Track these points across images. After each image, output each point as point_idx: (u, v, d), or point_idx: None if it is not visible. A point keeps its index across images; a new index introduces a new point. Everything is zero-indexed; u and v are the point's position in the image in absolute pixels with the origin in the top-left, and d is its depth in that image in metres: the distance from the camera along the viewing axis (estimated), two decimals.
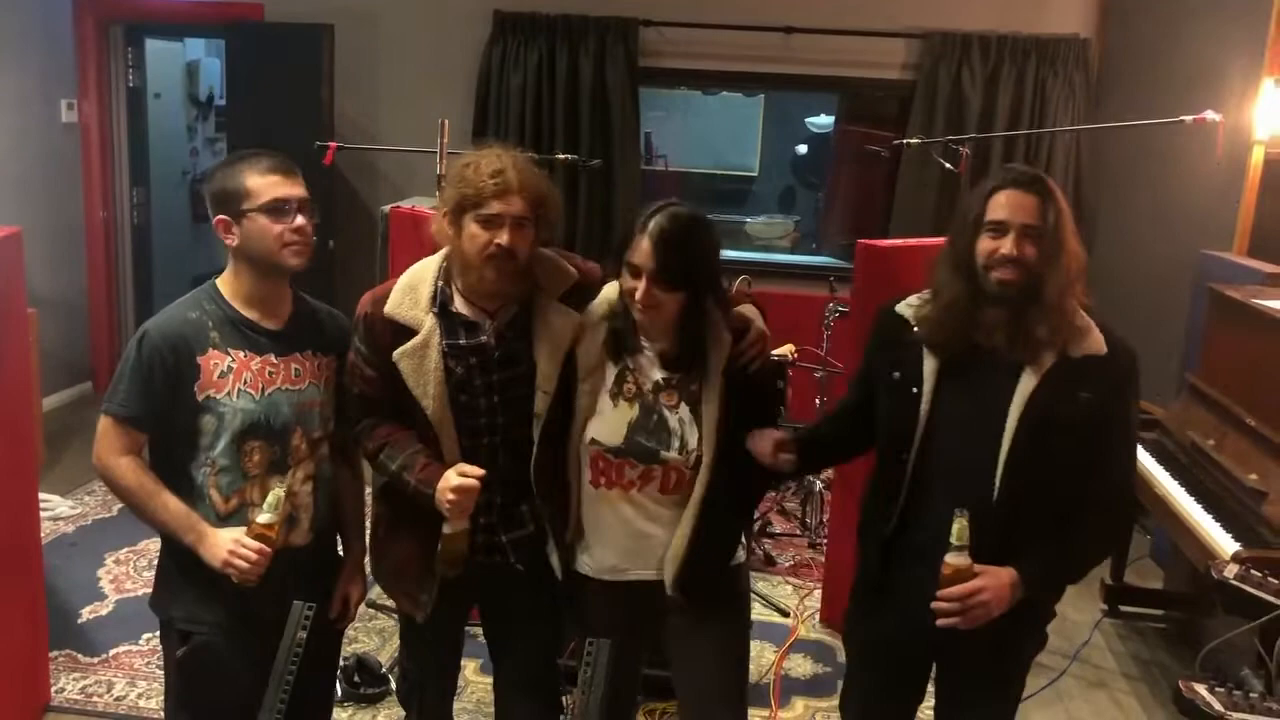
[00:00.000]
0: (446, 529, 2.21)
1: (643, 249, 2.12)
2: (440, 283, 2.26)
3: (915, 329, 2.19)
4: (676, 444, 2.20)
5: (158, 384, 2.14)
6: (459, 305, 2.25)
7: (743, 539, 2.43)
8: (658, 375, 2.23)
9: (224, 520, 2.18)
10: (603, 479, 2.26)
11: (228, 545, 2.08)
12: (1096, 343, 2.12)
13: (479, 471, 2.16)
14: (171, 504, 2.15)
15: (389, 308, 2.24)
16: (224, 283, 2.24)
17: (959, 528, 2.02)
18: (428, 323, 2.23)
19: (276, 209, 2.15)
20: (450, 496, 2.15)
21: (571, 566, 2.35)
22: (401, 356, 2.22)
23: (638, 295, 2.13)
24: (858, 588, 2.37)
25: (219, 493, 2.18)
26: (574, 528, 2.32)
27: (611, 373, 2.25)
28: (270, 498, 2.10)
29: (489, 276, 2.17)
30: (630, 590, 2.30)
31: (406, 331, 2.23)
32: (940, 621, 2.05)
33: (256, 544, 2.08)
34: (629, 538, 2.27)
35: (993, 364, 2.12)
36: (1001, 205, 2.07)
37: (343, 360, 2.33)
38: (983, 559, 2.07)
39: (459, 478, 2.15)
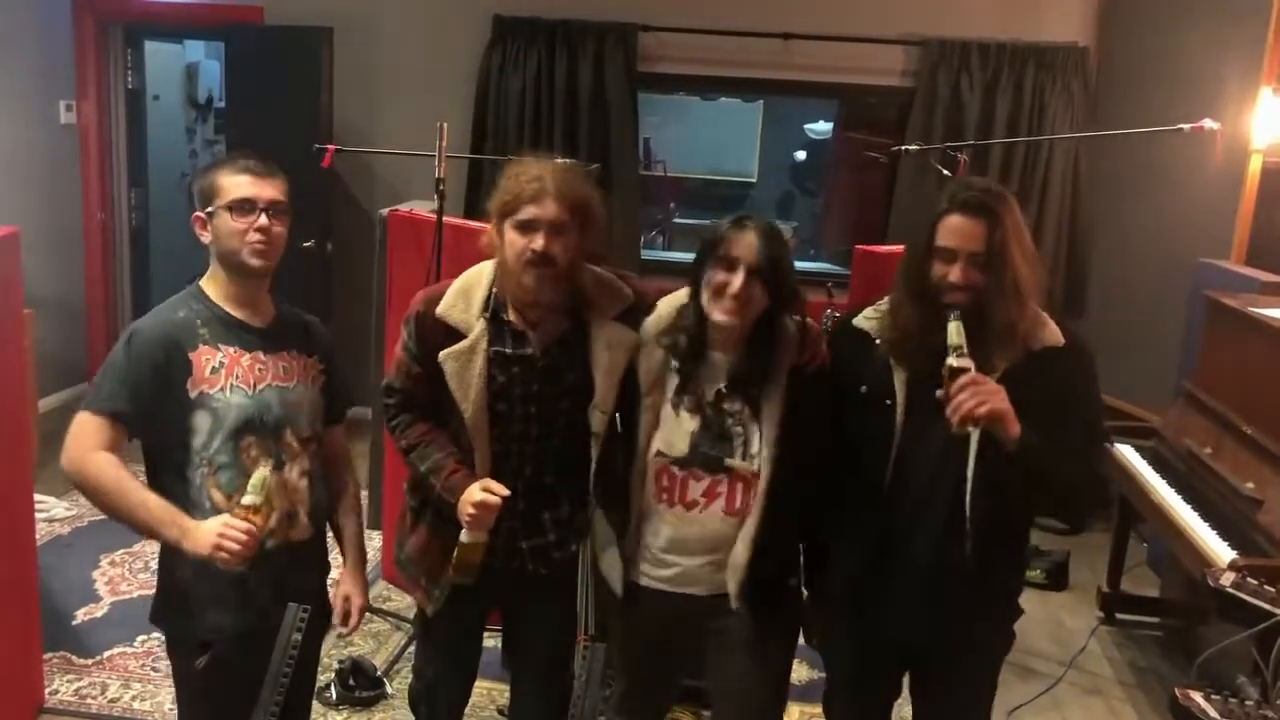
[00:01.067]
0: (464, 538, 2.22)
1: (746, 241, 2.11)
2: (494, 289, 2.28)
3: (878, 341, 2.21)
4: (740, 452, 2.20)
5: (147, 383, 2.11)
6: (509, 314, 2.27)
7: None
8: (720, 384, 2.21)
9: None
10: (665, 495, 2.25)
11: (215, 530, 2.03)
12: (1054, 334, 2.18)
13: (504, 491, 2.17)
14: (152, 501, 2.10)
15: (441, 309, 2.27)
16: (207, 283, 2.24)
17: (955, 328, 2.02)
18: (477, 328, 2.25)
19: (240, 207, 2.14)
20: (470, 511, 2.17)
21: (626, 575, 2.34)
22: (448, 358, 2.24)
23: (732, 288, 2.09)
24: (836, 603, 2.36)
25: (220, 492, 2.15)
26: (632, 538, 2.31)
27: (673, 384, 2.24)
28: (255, 478, 2.07)
29: (527, 283, 2.18)
30: (683, 601, 2.29)
31: (456, 334, 2.25)
32: (954, 412, 1.98)
33: (244, 525, 2.03)
34: (688, 555, 2.26)
35: None
36: (950, 232, 2.10)
37: (327, 364, 2.34)
38: (958, 561, 2.12)
39: (482, 493, 2.16)
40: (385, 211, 4.33)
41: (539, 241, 2.15)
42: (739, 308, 2.12)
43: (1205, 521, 3.27)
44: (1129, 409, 5.00)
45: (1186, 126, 3.74)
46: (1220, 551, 3.07)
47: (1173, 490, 3.56)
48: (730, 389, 2.21)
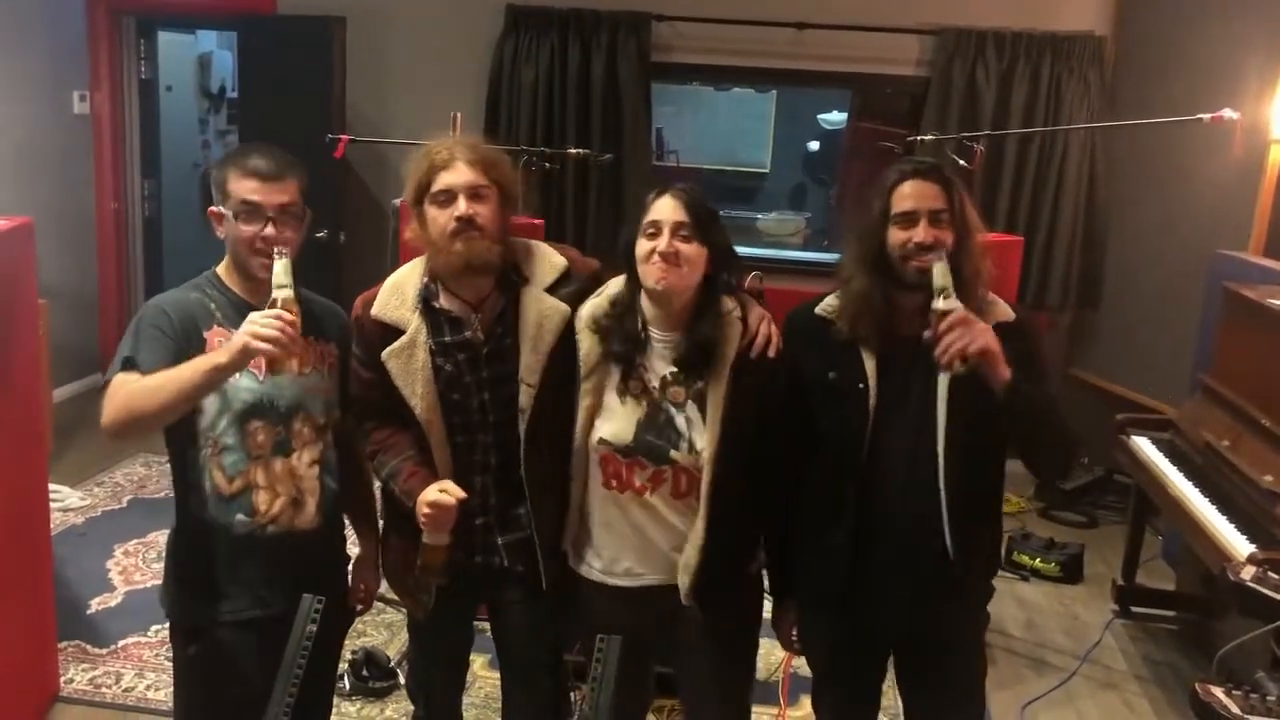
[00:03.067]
0: (426, 539, 2.19)
1: (662, 203, 2.12)
2: (425, 280, 2.25)
3: (841, 326, 2.21)
4: (685, 444, 2.15)
5: (164, 346, 2.08)
6: (444, 301, 2.23)
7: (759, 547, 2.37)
8: (665, 370, 2.17)
9: (228, 503, 2.15)
10: (614, 481, 2.21)
11: (246, 326, 1.95)
12: (1005, 311, 2.20)
13: (460, 493, 2.13)
14: (177, 370, 2.01)
15: (375, 309, 2.25)
16: (224, 271, 2.23)
17: (940, 269, 2.03)
18: (414, 321, 2.22)
19: (245, 213, 2.11)
20: (425, 511, 2.13)
21: (575, 570, 2.31)
22: (390, 356, 2.21)
23: (660, 247, 2.08)
24: (811, 595, 2.34)
25: (222, 473, 2.15)
26: (575, 530, 2.29)
27: (617, 369, 2.20)
28: (276, 267, 2.01)
29: (459, 250, 2.14)
30: (642, 594, 2.25)
31: (394, 331, 2.22)
32: (945, 354, 1.98)
33: (273, 312, 1.95)
34: (643, 542, 2.23)
35: (916, 349, 2.14)
36: (906, 196, 2.13)
37: (344, 349, 2.33)
38: (934, 531, 2.15)
39: (437, 493, 2.13)
40: (398, 202, 4.31)
41: (460, 207, 2.13)
42: (670, 267, 2.09)
43: (1223, 515, 3.24)
44: (1145, 401, 4.97)
45: (1205, 116, 3.70)
46: (1239, 545, 3.04)
47: (1190, 483, 3.53)
48: (677, 375, 2.17)
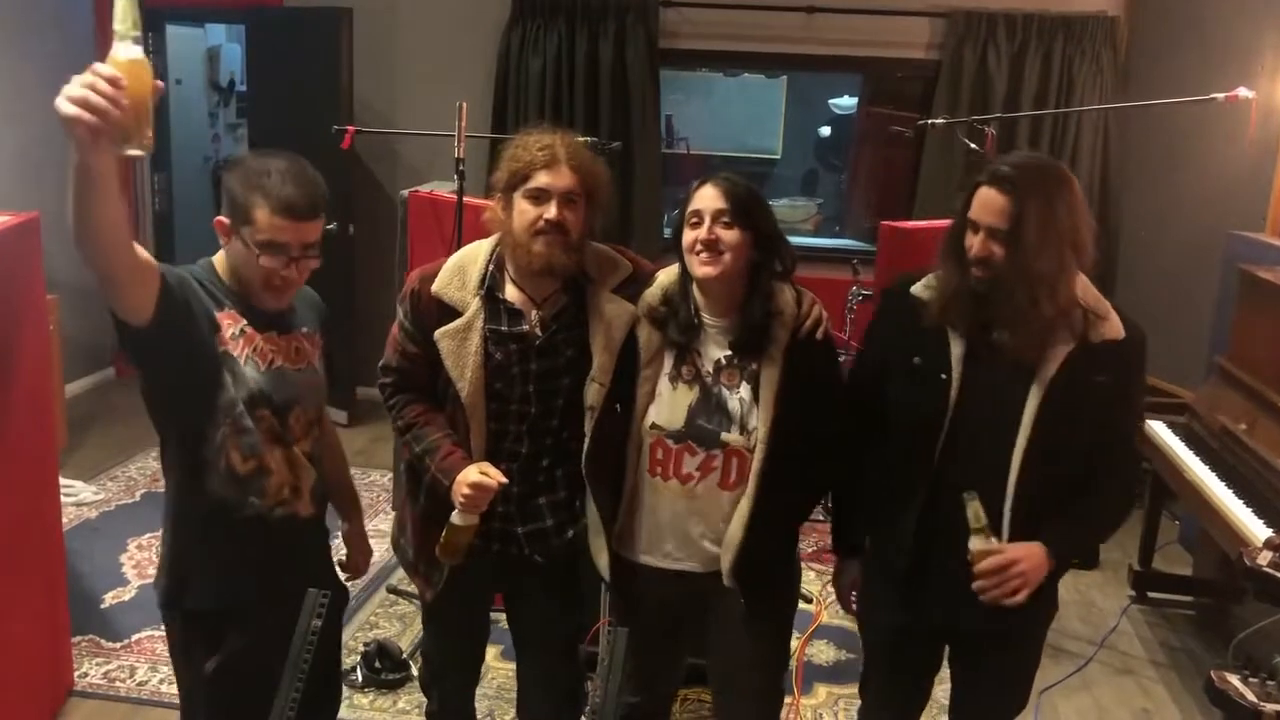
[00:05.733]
0: (455, 519, 2.19)
1: (704, 193, 2.14)
2: (490, 267, 2.25)
3: (934, 311, 2.15)
4: (736, 427, 2.17)
5: (181, 294, 2.02)
6: (507, 292, 2.24)
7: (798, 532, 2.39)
8: (719, 354, 2.19)
9: (241, 484, 2.11)
10: (660, 469, 2.22)
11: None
12: (1115, 328, 2.13)
13: (501, 478, 2.14)
14: None
15: (436, 286, 2.24)
16: (221, 269, 2.13)
17: (973, 511, 2.03)
18: (473, 305, 2.22)
19: (270, 250, 2.01)
20: (466, 491, 2.14)
21: (618, 554, 2.31)
22: (443, 336, 2.21)
23: (701, 235, 2.11)
24: (876, 577, 2.34)
25: (239, 453, 2.11)
26: (624, 516, 2.29)
27: (670, 356, 2.22)
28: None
29: (538, 250, 2.13)
30: (681, 579, 2.27)
31: (451, 311, 2.22)
32: (986, 598, 2.04)
33: (88, 77, 1.55)
34: (682, 531, 2.24)
35: (1003, 345, 2.10)
36: (978, 204, 2.06)
37: (326, 336, 2.30)
38: (1008, 538, 2.10)
39: (479, 475, 2.14)
40: (406, 193, 4.31)
41: (551, 210, 2.12)
42: (714, 255, 2.11)
43: (1240, 499, 3.22)
44: (1160, 385, 4.91)
45: (1220, 96, 3.65)
46: (1256, 530, 3.02)
47: (1206, 468, 3.50)
48: (730, 359, 2.18)
